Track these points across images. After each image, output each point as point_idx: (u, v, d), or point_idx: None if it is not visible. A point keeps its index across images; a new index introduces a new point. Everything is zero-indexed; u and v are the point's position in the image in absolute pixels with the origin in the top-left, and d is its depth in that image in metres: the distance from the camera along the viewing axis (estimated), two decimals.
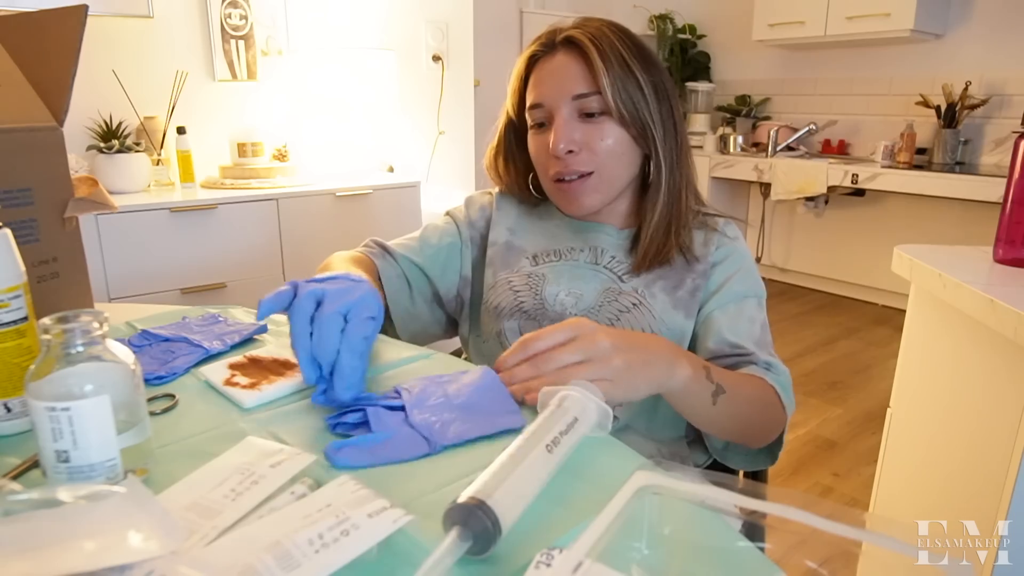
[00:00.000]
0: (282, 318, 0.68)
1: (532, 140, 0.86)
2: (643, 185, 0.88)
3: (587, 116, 0.81)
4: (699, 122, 4.06)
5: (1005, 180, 1.01)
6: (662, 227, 0.84)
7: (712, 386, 0.66)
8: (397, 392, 0.63)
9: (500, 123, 0.93)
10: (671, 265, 0.85)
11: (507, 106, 0.91)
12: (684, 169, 0.86)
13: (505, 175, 0.95)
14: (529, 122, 0.86)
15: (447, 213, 1.00)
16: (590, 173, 0.82)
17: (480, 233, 0.97)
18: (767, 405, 0.75)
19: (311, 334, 0.59)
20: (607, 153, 0.82)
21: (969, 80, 3.13)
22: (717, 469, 0.97)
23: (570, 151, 0.81)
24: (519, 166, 0.93)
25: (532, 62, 0.85)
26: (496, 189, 0.99)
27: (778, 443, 0.80)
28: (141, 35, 2.29)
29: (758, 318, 0.83)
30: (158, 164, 2.29)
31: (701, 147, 3.95)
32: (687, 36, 4.23)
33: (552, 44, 0.83)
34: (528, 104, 0.85)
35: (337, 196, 2.36)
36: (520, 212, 0.96)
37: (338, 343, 0.59)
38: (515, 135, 0.92)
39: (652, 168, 0.84)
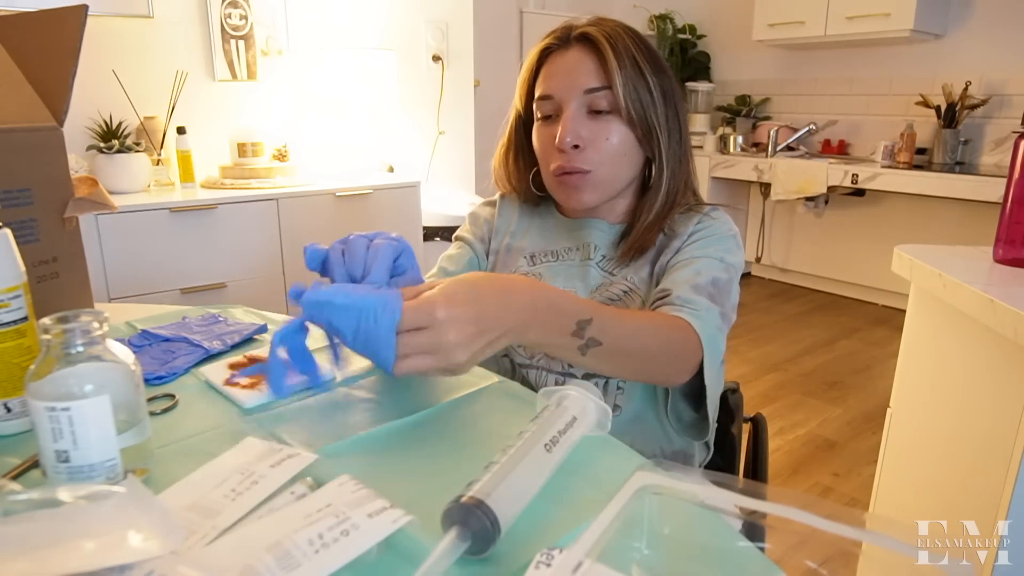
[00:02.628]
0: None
1: (538, 132, 0.87)
2: (643, 185, 0.89)
3: (595, 113, 0.82)
4: (699, 122, 4.06)
5: (1005, 180, 1.01)
6: (654, 227, 0.85)
7: (580, 342, 0.64)
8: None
9: (510, 117, 0.93)
10: (654, 247, 0.86)
11: (515, 99, 0.91)
12: (685, 173, 0.87)
13: (515, 171, 0.95)
14: (536, 114, 0.87)
15: (456, 237, 1.01)
16: (587, 172, 0.83)
17: (488, 247, 0.98)
18: (670, 341, 0.71)
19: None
20: (610, 152, 0.82)
21: (969, 80, 3.13)
22: (717, 469, 0.97)
23: (575, 146, 0.82)
24: (528, 161, 0.93)
25: (544, 55, 0.86)
26: (498, 195, 1.00)
27: (700, 380, 0.75)
28: (141, 35, 2.29)
29: (709, 272, 0.79)
30: (158, 164, 2.29)
31: (701, 147, 3.95)
32: (687, 36, 4.23)
33: (567, 39, 0.84)
34: (537, 96, 0.85)
35: (337, 196, 2.36)
36: (521, 213, 0.97)
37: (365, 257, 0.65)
38: (524, 129, 0.92)
39: (654, 171, 0.85)
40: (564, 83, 0.82)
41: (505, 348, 0.64)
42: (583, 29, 0.83)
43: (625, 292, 0.84)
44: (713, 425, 0.81)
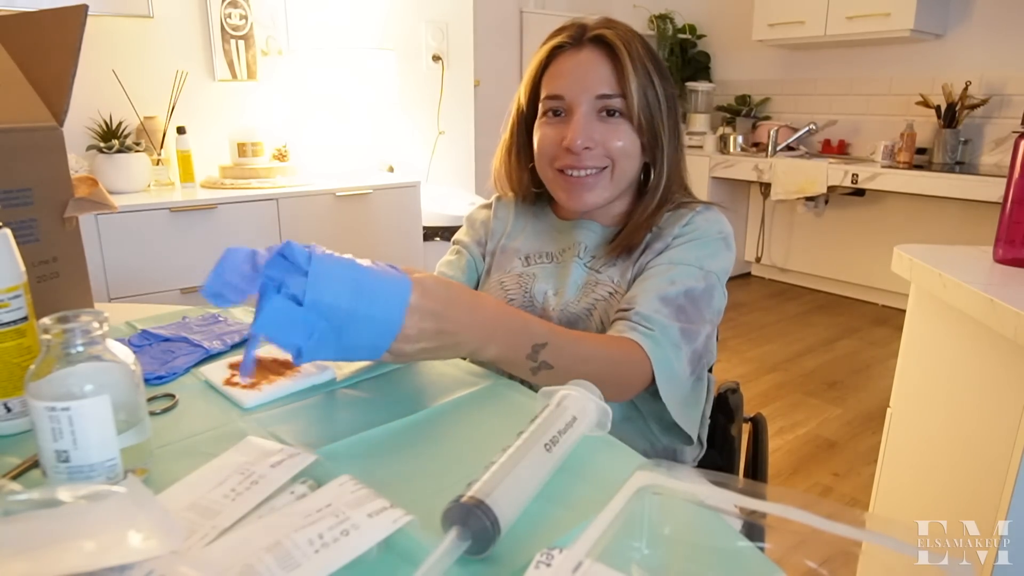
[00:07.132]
0: None
1: (541, 129, 0.86)
2: (638, 190, 0.90)
3: (607, 114, 0.82)
4: (699, 122, 4.06)
5: (1005, 180, 1.01)
6: (643, 226, 0.86)
7: (533, 364, 0.66)
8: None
9: (511, 115, 0.93)
10: (641, 245, 0.86)
11: (519, 94, 0.90)
12: (678, 174, 0.88)
13: (515, 168, 0.94)
14: (541, 110, 0.86)
15: (453, 242, 1.01)
16: (604, 168, 0.83)
17: (485, 249, 0.99)
18: (619, 365, 0.72)
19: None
20: (620, 153, 0.83)
21: (969, 80, 3.13)
22: (717, 469, 0.97)
23: (587, 148, 0.82)
24: (529, 157, 0.93)
25: (555, 53, 0.85)
26: (494, 198, 1.00)
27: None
28: (141, 35, 2.29)
29: (684, 282, 0.79)
30: (158, 164, 2.29)
31: (701, 147, 3.95)
32: (687, 36, 4.22)
33: (580, 39, 0.83)
34: (545, 94, 0.85)
35: (337, 196, 2.36)
36: (516, 214, 0.98)
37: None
38: (526, 125, 0.91)
39: (653, 175, 0.86)
40: (576, 85, 0.82)
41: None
42: (598, 31, 0.82)
43: (610, 294, 0.84)
44: (695, 426, 0.81)
